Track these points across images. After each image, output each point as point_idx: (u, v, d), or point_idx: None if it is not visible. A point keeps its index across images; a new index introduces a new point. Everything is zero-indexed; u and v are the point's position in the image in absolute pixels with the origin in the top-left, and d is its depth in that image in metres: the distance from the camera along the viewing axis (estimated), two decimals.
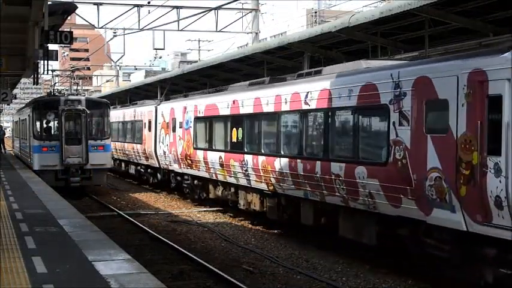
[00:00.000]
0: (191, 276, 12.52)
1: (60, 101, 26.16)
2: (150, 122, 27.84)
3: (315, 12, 66.42)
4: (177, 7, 27.42)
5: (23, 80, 45.51)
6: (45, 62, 19.46)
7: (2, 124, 68.32)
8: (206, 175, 21.03)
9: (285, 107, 15.70)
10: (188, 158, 22.32)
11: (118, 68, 57.84)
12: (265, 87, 17.25)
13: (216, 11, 27.36)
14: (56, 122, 26.62)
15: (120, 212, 21.17)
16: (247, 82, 19.63)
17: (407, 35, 17.34)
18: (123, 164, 34.74)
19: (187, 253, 14.30)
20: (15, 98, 50.06)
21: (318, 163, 14.07)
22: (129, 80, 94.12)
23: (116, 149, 34.13)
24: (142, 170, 30.34)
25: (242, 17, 29.76)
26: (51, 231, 11.46)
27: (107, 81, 76.94)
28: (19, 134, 36.02)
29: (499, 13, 14.54)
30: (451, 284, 11.58)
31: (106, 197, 26.24)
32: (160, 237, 16.37)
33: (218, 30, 28.44)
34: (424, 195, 10.95)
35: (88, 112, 25.92)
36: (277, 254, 14.67)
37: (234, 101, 18.71)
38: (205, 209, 21.98)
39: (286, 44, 19.82)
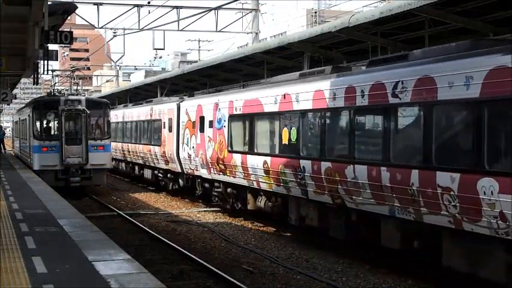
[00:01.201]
0: (191, 276, 12.52)
1: (60, 101, 26.19)
2: (170, 122, 25.02)
3: (315, 12, 66.34)
4: (177, 7, 27.47)
5: (23, 80, 45.52)
6: (45, 62, 19.45)
7: (2, 124, 68.28)
8: (244, 183, 18.16)
9: (362, 101, 12.77)
10: (221, 162, 19.46)
11: (118, 68, 57.86)
12: (329, 78, 14.32)
13: (216, 11, 27.40)
14: (56, 122, 26.65)
15: (120, 212, 21.18)
16: (297, 73, 16.73)
17: (407, 35, 17.35)
18: (136, 168, 31.55)
19: (187, 253, 14.29)
20: (15, 98, 50.07)
21: (415, 172, 11.22)
22: (129, 80, 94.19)
23: (129, 151, 31.79)
24: (160, 175, 27.30)
25: (242, 17, 29.81)
26: (51, 231, 11.45)
27: (107, 81, 76.96)
28: (19, 134, 36.03)
29: (499, 13, 14.55)
30: (451, 284, 11.59)
31: (106, 197, 26.25)
32: (160, 237, 16.37)
33: (218, 30, 28.49)
34: None
35: (88, 112, 25.93)
36: (277, 254, 14.66)
37: (284, 95, 15.82)
38: (205, 209, 21.98)
39: (286, 44, 19.84)
